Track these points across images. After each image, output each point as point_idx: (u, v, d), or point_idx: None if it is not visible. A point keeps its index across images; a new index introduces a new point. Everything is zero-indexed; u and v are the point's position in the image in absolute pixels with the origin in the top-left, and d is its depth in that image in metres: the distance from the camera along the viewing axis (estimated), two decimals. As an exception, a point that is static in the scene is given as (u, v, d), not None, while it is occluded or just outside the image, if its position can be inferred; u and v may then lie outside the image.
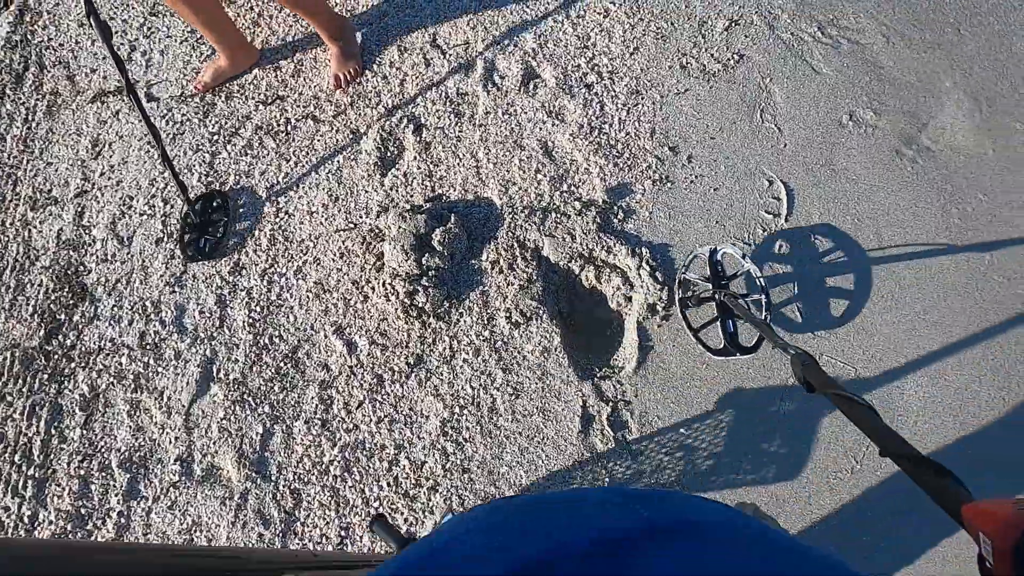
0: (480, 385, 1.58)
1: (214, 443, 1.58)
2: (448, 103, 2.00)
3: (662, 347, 1.60)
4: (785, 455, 1.51)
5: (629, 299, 1.68)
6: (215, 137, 2.05)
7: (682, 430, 1.52)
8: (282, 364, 1.67)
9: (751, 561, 0.36)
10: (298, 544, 1.46)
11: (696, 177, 1.80)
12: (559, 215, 1.76)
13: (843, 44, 1.96)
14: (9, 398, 1.72)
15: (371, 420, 1.57)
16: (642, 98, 1.93)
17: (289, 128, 2.04)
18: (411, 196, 1.86)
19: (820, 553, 0.38)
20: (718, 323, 1.51)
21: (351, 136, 1.99)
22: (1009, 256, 1.67)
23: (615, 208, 1.76)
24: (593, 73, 1.98)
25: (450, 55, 2.09)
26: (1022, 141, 1.78)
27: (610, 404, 1.55)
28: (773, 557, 0.37)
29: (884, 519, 1.47)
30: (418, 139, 1.95)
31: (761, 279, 1.57)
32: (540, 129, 1.90)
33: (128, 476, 1.56)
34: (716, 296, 1.50)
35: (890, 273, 1.67)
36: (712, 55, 1.98)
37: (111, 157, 2.08)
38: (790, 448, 1.52)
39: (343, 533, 1.46)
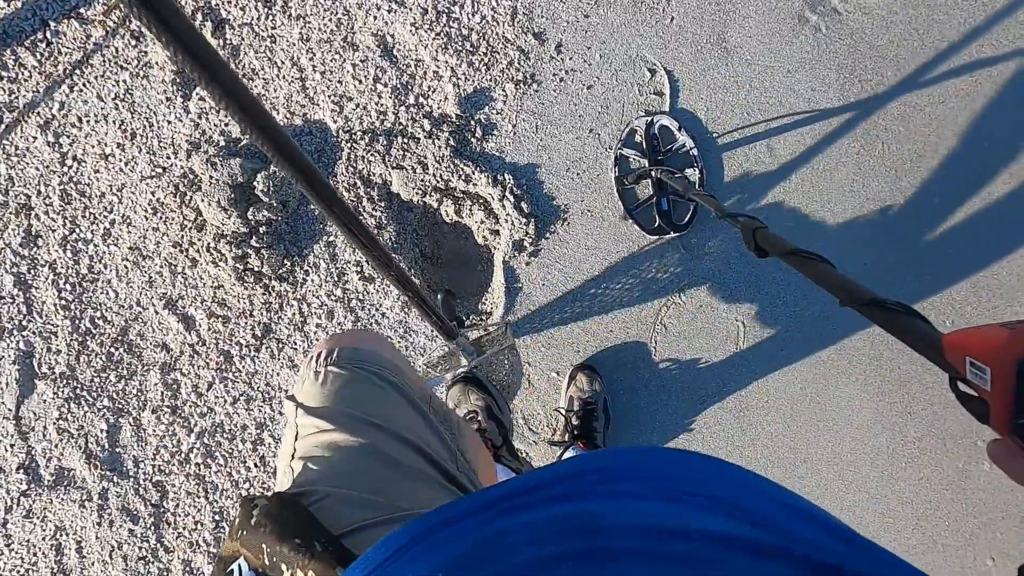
0: (338, 351, 1.45)
1: (56, 446, 1.45)
2: (252, -15, 1.52)
3: (531, 287, 1.48)
4: (661, 382, 1.51)
5: (496, 233, 1.50)
6: (-49, 56, 1.55)
7: (554, 374, 1.47)
8: (113, 349, 1.47)
9: None
10: (172, 533, 1.43)
11: (567, 72, 1.50)
12: (406, 139, 1.47)
13: None
14: None
15: (225, 401, 1.45)
16: (500, -38, 1.51)
17: (49, 35, 1.55)
18: (226, 124, 1.51)
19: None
20: (652, 201, 1.47)
21: (134, 44, 1.53)
22: (904, 144, 1.53)
23: (472, 123, 1.48)
24: (436, -73, 1.52)
25: (243, -93, 1.54)
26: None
27: (479, 356, 1.47)
28: None
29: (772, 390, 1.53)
30: (221, 42, 1.52)
31: (695, 151, 1.47)
32: (374, 18, 1.50)
33: (-30, 491, 1.45)
34: (652, 173, 1.45)
35: (777, 175, 1.52)
36: None
37: None
38: (665, 377, 1.51)
39: (217, 518, 1.44)
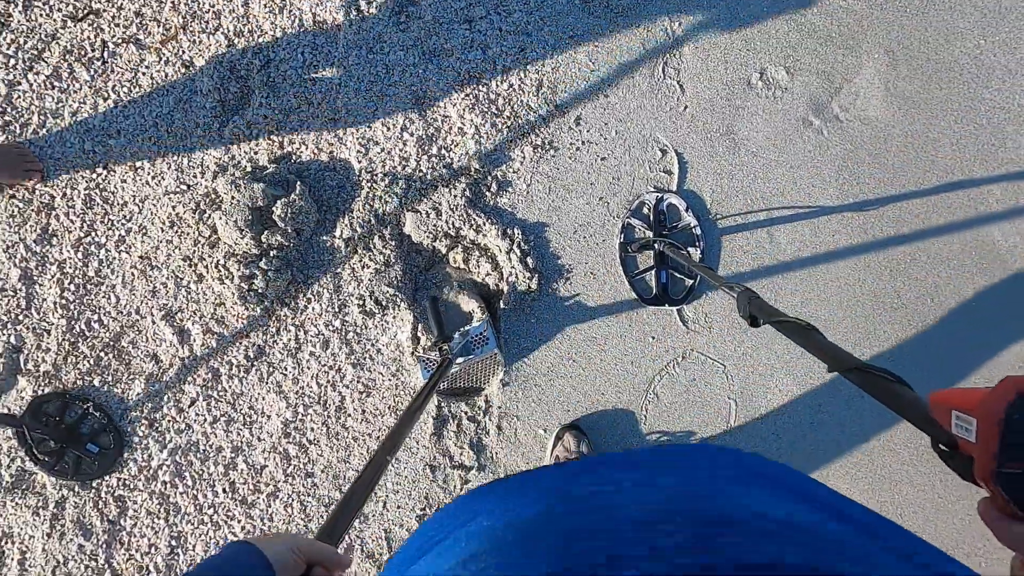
0: (328, 382, 1.44)
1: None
2: (303, 32, 1.65)
3: (528, 341, 1.49)
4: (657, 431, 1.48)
5: (499, 284, 1.53)
6: (12, 62, 1.65)
7: (541, 431, 1.45)
8: (102, 354, 1.46)
9: None
10: (124, 554, 1.36)
11: (583, 144, 1.59)
12: (424, 185, 1.54)
13: (766, -17, 1.70)
14: None
15: (205, 420, 1.43)
16: (531, 40, 1.65)
17: (106, 55, 1.66)
18: (255, 152, 1.58)
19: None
20: (652, 272, 1.52)
21: (184, 70, 1.64)
22: (898, 246, 1.59)
23: (488, 178, 1.55)
24: (478, 5, 1.66)
25: (306, -33, 1.70)
26: (927, 118, 1.65)
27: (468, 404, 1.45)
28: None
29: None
30: (266, 79, 1.62)
31: (699, 231, 1.54)
32: (410, 75, 1.61)
33: (-76, 483, 1.39)
34: (656, 245, 1.49)
35: (775, 261, 1.57)
36: (618, -12, 1.69)
37: None
38: (660, 427, 1.49)
39: (173, 542, 1.37)
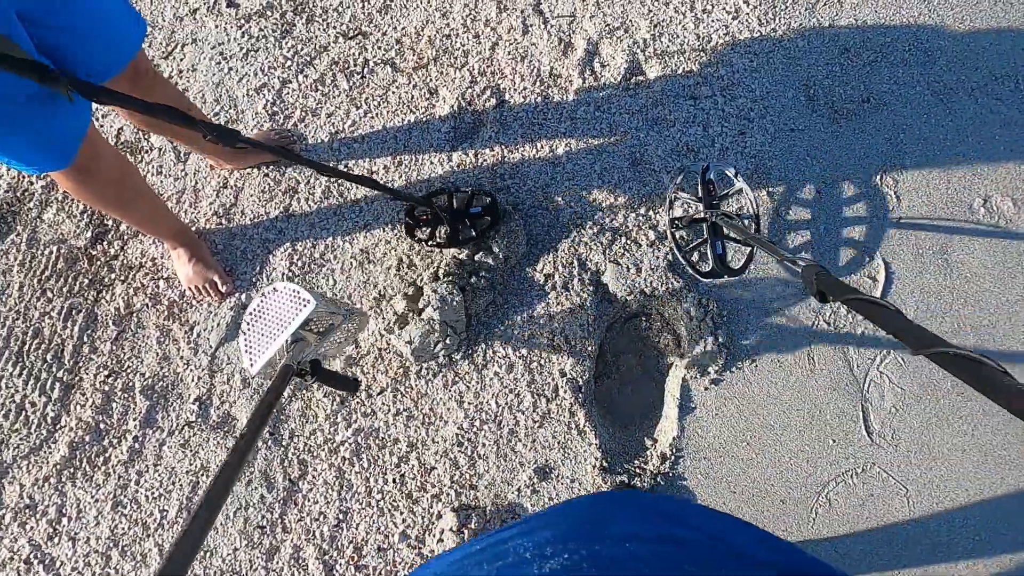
0: (506, 403, 1.52)
1: (234, 392, 1.58)
2: (538, 82, 1.81)
3: (704, 412, 1.50)
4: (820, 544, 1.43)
5: (680, 351, 1.56)
6: (288, 63, 1.92)
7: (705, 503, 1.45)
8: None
9: None
10: (296, 514, 1.47)
11: (787, 228, 1.61)
12: (629, 241, 1.61)
13: (1010, 99, 1.69)
14: (49, 294, 1.73)
15: (389, 410, 1.54)
16: (752, 126, 1.71)
17: (366, 71, 1.89)
18: (478, 179, 1.73)
19: None
20: (707, 244, 1.50)
21: (428, 96, 1.84)
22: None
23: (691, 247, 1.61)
24: (705, 84, 1.76)
25: (551, 26, 1.88)
26: None
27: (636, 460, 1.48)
28: None
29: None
30: (498, 116, 1.79)
31: (754, 200, 1.52)
32: (632, 137, 1.72)
33: (148, 403, 1.58)
34: (708, 216, 1.49)
35: (973, 396, 1.50)
36: (846, 91, 1.74)
37: (181, 61, 1.98)
38: (819, 551, 1.43)
39: (341, 516, 1.47)
